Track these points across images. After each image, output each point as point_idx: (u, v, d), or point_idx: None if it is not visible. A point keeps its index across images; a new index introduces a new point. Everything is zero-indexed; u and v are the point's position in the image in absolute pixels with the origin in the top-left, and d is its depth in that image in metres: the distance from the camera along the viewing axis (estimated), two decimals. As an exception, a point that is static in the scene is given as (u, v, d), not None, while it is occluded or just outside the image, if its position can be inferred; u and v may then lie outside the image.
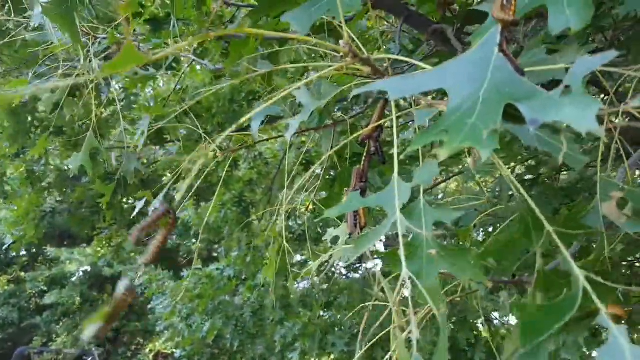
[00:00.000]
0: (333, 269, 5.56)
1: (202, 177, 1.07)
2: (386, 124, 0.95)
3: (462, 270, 0.47)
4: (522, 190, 0.45)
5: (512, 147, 1.91)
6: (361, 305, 0.83)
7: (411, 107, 0.63)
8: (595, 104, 0.31)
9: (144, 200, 0.76)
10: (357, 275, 5.88)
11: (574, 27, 0.45)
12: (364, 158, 0.68)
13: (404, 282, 0.42)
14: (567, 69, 0.39)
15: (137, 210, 0.77)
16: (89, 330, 0.46)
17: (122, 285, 0.47)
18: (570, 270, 0.38)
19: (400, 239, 0.44)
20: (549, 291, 0.50)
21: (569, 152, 0.40)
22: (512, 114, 0.37)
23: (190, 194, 0.91)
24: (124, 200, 4.47)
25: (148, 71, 1.44)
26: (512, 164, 2.36)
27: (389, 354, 0.59)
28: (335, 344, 4.44)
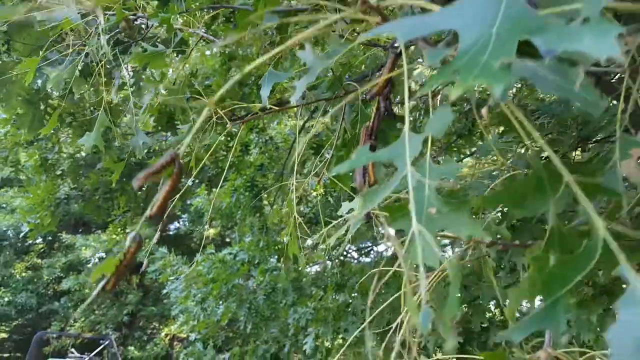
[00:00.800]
0: (345, 253, 5.57)
1: (210, 152, 1.07)
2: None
3: (462, 226, 0.45)
4: (537, 136, 0.43)
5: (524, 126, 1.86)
6: (373, 270, 0.83)
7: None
8: (615, 28, 0.29)
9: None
10: (368, 260, 5.89)
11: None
12: (373, 115, 0.66)
13: (412, 237, 0.41)
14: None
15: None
16: (99, 284, 0.46)
17: (130, 237, 0.47)
18: (590, 221, 0.37)
19: (411, 193, 0.43)
20: (563, 251, 0.49)
21: (587, 97, 0.38)
22: (527, 52, 0.35)
23: (198, 169, 0.91)
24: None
25: (157, 47, 1.43)
26: (527, 142, 2.31)
27: (400, 317, 0.58)
28: (348, 330, 4.48)
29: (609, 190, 0.63)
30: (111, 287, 0.46)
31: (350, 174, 1.06)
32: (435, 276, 0.78)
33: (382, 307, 0.91)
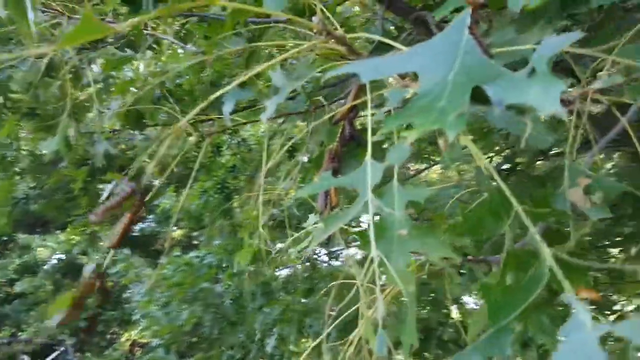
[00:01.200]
0: (315, 256, 5.58)
1: (177, 160, 1.06)
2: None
3: (432, 248, 0.47)
4: (491, 169, 0.46)
5: (489, 137, 1.94)
6: (332, 284, 0.85)
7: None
8: (559, 85, 0.32)
9: (113, 183, 0.74)
10: (339, 263, 5.92)
11: (532, 3, 0.46)
12: (337, 139, 0.68)
13: (372, 262, 0.43)
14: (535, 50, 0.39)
15: (106, 194, 0.76)
16: (55, 317, 0.45)
17: (88, 270, 0.46)
18: (537, 249, 0.40)
19: (370, 219, 0.45)
20: (519, 271, 0.52)
21: (535, 133, 0.41)
22: (481, 96, 0.38)
23: (165, 176, 0.90)
24: (101, 186, 4.37)
25: (126, 52, 1.40)
26: (491, 154, 2.40)
27: (355, 330, 0.60)
28: (312, 325, 4.49)
29: (559, 213, 0.67)
30: (67, 321, 0.45)
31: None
32: (392, 292, 0.81)
33: (341, 318, 0.92)
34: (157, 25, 1.74)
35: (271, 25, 1.07)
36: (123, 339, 9.91)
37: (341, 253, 6.03)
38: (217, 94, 0.52)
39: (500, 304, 0.39)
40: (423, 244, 0.50)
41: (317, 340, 0.73)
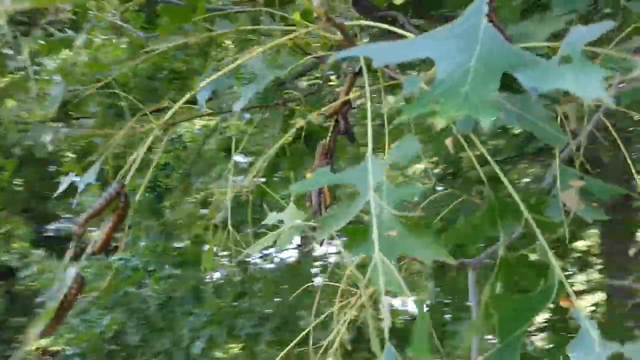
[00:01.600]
0: (248, 259, 5.47)
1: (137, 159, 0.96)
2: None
3: (424, 249, 0.45)
4: (503, 177, 0.45)
5: (439, 138, 1.99)
6: (306, 285, 0.81)
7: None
8: (599, 70, 0.31)
9: (70, 175, 0.65)
10: (272, 266, 5.84)
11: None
12: (330, 134, 0.65)
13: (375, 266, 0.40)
14: (549, 47, 0.39)
15: (63, 186, 0.67)
16: (35, 330, 0.39)
17: (69, 278, 0.40)
18: (546, 260, 0.39)
19: (373, 220, 0.42)
20: (508, 278, 0.51)
21: (549, 131, 0.41)
22: (505, 84, 0.36)
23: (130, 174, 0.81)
24: (15, 182, 4.00)
25: (66, 34, 1.26)
26: (436, 158, 2.48)
27: (329, 337, 0.57)
28: (244, 327, 4.40)
29: (554, 224, 0.67)
30: (51, 330, 0.39)
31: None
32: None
33: (318, 321, 0.89)
34: (101, 8, 1.59)
35: (238, 11, 1.01)
36: (33, 347, 9.08)
37: (275, 256, 5.96)
38: (204, 83, 0.46)
39: (510, 316, 0.38)
40: (414, 244, 0.47)
41: (295, 340, 0.69)
